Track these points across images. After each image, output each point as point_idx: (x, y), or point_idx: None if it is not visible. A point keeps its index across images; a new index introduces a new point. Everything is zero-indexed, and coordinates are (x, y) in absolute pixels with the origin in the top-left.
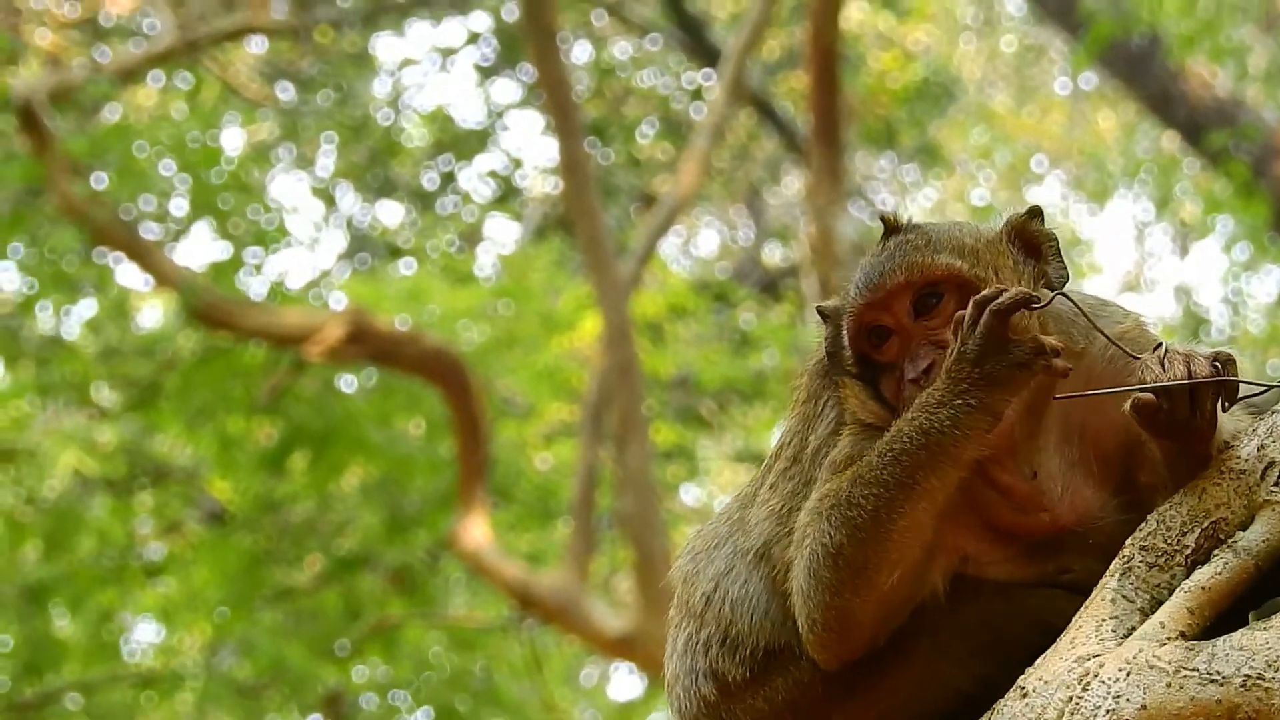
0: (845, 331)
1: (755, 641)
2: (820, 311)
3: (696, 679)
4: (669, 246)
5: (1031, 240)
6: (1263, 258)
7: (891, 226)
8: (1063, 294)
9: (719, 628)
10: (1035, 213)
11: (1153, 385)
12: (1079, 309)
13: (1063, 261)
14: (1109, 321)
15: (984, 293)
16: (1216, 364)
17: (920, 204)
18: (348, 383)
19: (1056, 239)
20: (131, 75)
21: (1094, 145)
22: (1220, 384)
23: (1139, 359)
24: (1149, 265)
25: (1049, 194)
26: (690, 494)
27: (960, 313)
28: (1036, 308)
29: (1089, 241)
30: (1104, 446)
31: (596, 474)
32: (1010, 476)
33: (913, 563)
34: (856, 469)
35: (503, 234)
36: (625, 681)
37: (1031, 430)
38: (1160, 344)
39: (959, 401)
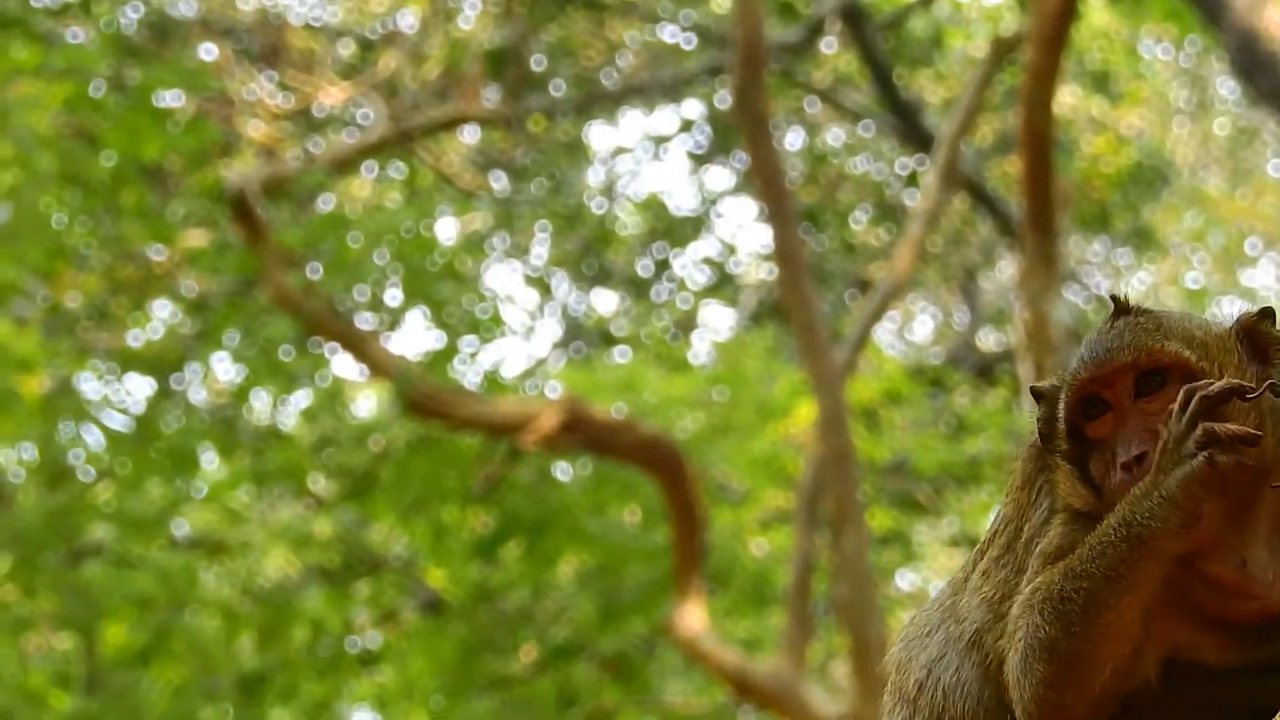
0: (1062, 402)
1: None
2: (1035, 391)
3: None
4: (884, 332)
5: (1260, 341)
6: None
7: (1121, 307)
8: (1276, 384)
9: (932, 713)
10: (1267, 313)
11: None
12: None
13: None
14: None
15: (1197, 382)
16: None
17: (1134, 288)
18: (563, 471)
19: None
20: (345, 166)
21: None
22: None
23: None
24: None
25: (1263, 276)
26: (906, 579)
27: (1172, 404)
28: (1251, 397)
29: None
30: None
31: (812, 560)
32: (1218, 566)
33: (1124, 657)
34: (1069, 561)
35: (717, 321)
36: None
37: (1241, 519)
38: None
39: (1157, 494)
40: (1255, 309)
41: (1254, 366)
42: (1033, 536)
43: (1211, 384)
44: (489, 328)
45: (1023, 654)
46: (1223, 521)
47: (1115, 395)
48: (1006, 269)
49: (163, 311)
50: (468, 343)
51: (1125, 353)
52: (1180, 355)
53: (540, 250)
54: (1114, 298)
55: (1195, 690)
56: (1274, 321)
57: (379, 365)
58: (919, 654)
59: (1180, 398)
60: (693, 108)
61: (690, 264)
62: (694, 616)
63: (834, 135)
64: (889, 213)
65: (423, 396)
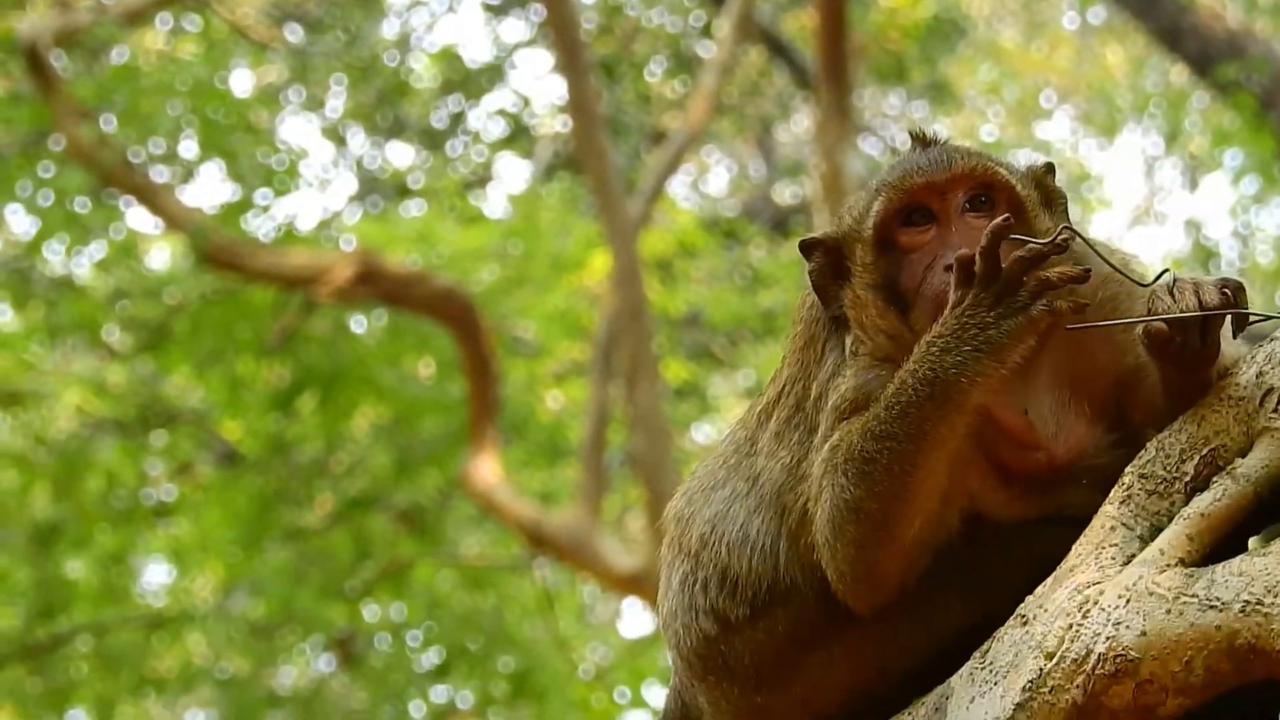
0: (874, 212)
1: (756, 582)
2: (807, 244)
3: (696, 616)
4: (679, 184)
5: (1047, 193)
6: (1271, 190)
7: (924, 139)
8: (1071, 228)
9: (716, 569)
10: (1050, 168)
11: (1164, 316)
12: (1089, 244)
13: (1069, 219)
14: (1094, 261)
15: (995, 223)
16: (1225, 292)
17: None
18: (358, 324)
19: (1067, 199)
20: (138, 17)
21: (1102, 80)
22: (1228, 313)
23: (1147, 286)
24: (1158, 199)
25: (1058, 129)
26: (701, 432)
27: (965, 253)
28: (1060, 254)
29: (1099, 176)
30: (1094, 387)
31: (607, 413)
32: (1006, 413)
33: (932, 511)
34: (865, 421)
35: (512, 173)
36: (637, 618)
37: (1023, 370)
38: (1167, 271)
39: (968, 349)
40: (1041, 163)
41: (1044, 212)
42: (822, 394)
43: (1031, 241)
44: (283, 180)
45: (830, 516)
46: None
47: (945, 206)
48: (802, 121)
49: None
50: (262, 195)
51: (962, 163)
52: (1010, 181)
53: (336, 104)
54: (916, 129)
55: (985, 545)
56: (1054, 176)
57: (173, 218)
58: (702, 508)
59: (986, 242)
60: None
61: (485, 116)
62: (489, 469)
63: None
64: (685, 64)
65: (217, 249)
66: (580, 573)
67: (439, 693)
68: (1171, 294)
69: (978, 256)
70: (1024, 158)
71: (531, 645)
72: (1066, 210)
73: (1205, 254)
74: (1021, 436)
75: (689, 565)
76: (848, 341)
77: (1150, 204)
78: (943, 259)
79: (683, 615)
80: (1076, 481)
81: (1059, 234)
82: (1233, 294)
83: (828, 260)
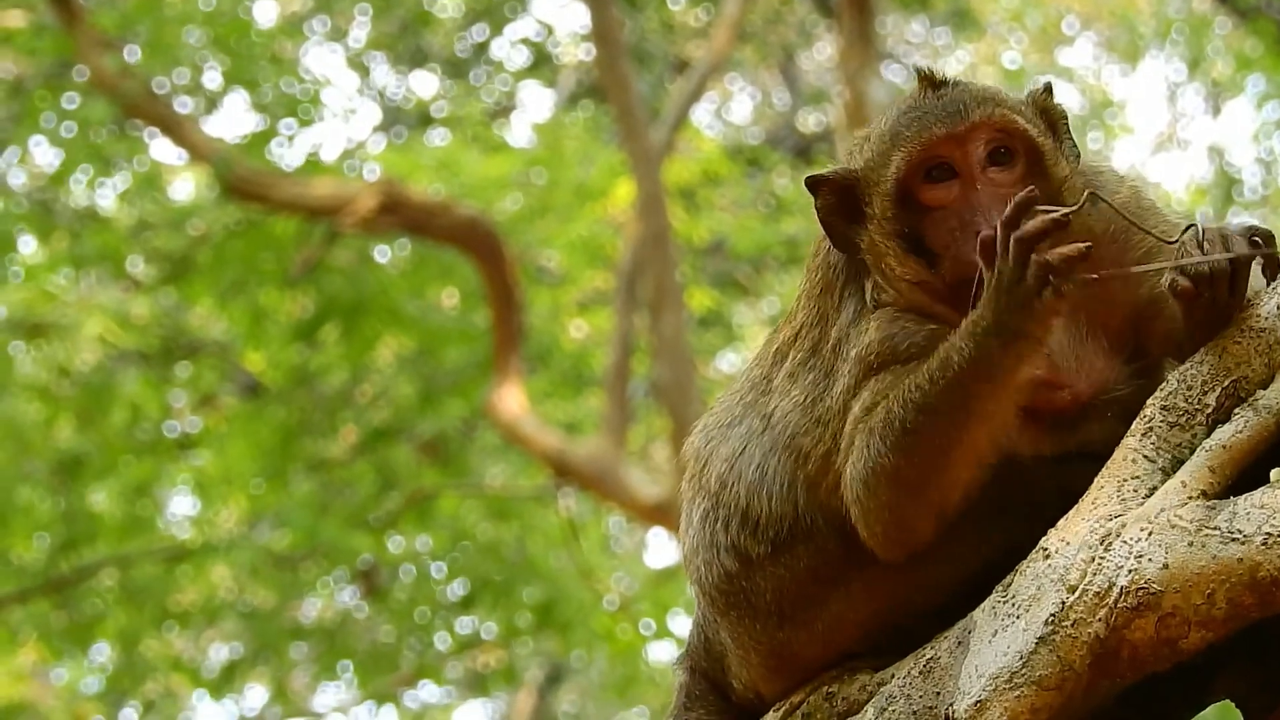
0: (895, 166)
1: (778, 522)
2: (812, 182)
3: (718, 553)
4: (702, 113)
5: (1050, 115)
6: None
7: (934, 80)
8: (1095, 195)
9: (736, 509)
10: (1049, 89)
11: (1190, 261)
12: (1114, 209)
13: (1073, 138)
14: (1106, 191)
15: (1020, 196)
16: (1256, 240)
17: (952, 67)
18: (381, 253)
19: (1068, 115)
20: None
21: (1125, 6)
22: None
23: (1173, 243)
24: (1181, 125)
25: (1080, 56)
26: (726, 361)
27: (987, 234)
28: (1068, 214)
29: (1121, 103)
30: (1111, 320)
31: (632, 342)
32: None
33: (972, 477)
34: (906, 390)
35: (536, 102)
36: (662, 549)
37: None
38: (1193, 225)
39: (1000, 332)
40: (1040, 86)
41: (1050, 139)
42: (840, 340)
43: (1030, 221)
44: (307, 110)
45: (864, 478)
46: None
47: (965, 158)
48: (825, 49)
49: None
50: (287, 126)
51: (979, 112)
52: (1026, 129)
53: (359, 34)
54: (925, 70)
55: (1003, 477)
56: (1053, 96)
57: (197, 148)
58: (720, 446)
59: (1000, 232)
60: None
61: (509, 45)
62: (513, 399)
63: None
64: None
65: (240, 179)
66: (605, 503)
67: (464, 624)
68: (1201, 247)
69: (999, 234)
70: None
71: (556, 576)
72: (1069, 128)
73: (1228, 180)
74: (1045, 376)
75: (709, 503)
76: (868, 287)
77: (1173, 130)
78: (972, 224)
79: (704, 551)
80: (1100, 415)
81: (1082, 202)
82: (1263, 241)
83: (837, 199)
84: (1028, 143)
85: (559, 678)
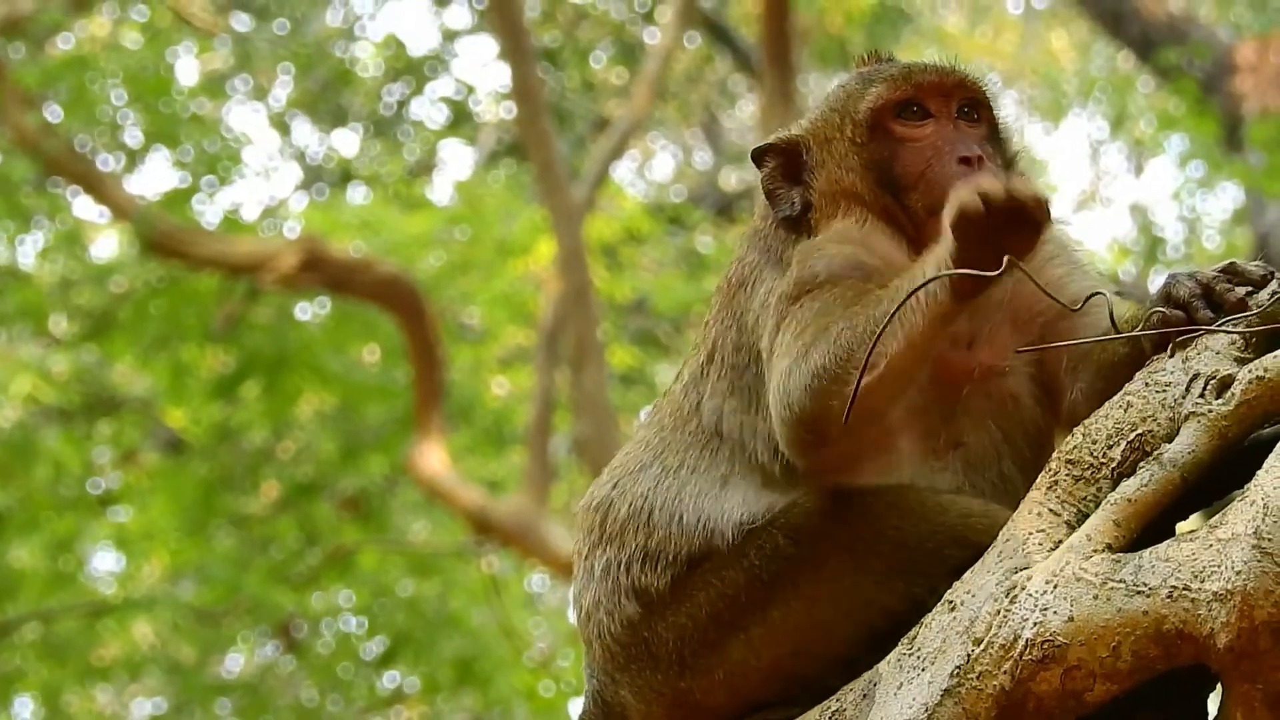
0: (875, 95)
1: (678, 548)
2: (758, 152)
3: (619, 601)
4: (625, 171)
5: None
6: (1216, 175)
7: (879, 59)
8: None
9: (640, 544)
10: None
11: (1122, 335)
12: (1021, 270)
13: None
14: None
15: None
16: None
17: None
18: (302, 310)
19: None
20: (83, 4)
21: (1048, 64)
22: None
23: (1076, 309)
24: (1104, 183)
25: (1003, 112)
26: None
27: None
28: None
29: (1044, 161)
30: (1030, 310)
31: (553, 398)
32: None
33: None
34: (848, 306)
35: (457, 160)
36: None
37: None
38: (1099, 293)
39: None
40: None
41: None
42: (762, 309)
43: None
44: (227, 167)
45: (807, 370)
46: None
47: (944, 107)
48: (747, 108)
49: None
50: (208, 183)
51: (963, 74)
52: (992, 101)
53: (281, 93)
54: (872, 52)
55: (896, 523)
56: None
57: (118, 205)
58: (631, 487)
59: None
60: None
61: (429, 104)
62: (434, 455)
63: None
64: (629, 51)
65: (161, 236)
66: (527, 559)
67: (390, 678)
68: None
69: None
70: None
71: (478, 632)
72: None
73: (1152, 239)
74: (963, 331)
75: (612, 550)
76: (793, 257)
77: (1096, 188)
78: (960, 150)
79: (606, 603)
80: (979, 406)
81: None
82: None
83: (781, 164)
84: (990, 110)
85: None
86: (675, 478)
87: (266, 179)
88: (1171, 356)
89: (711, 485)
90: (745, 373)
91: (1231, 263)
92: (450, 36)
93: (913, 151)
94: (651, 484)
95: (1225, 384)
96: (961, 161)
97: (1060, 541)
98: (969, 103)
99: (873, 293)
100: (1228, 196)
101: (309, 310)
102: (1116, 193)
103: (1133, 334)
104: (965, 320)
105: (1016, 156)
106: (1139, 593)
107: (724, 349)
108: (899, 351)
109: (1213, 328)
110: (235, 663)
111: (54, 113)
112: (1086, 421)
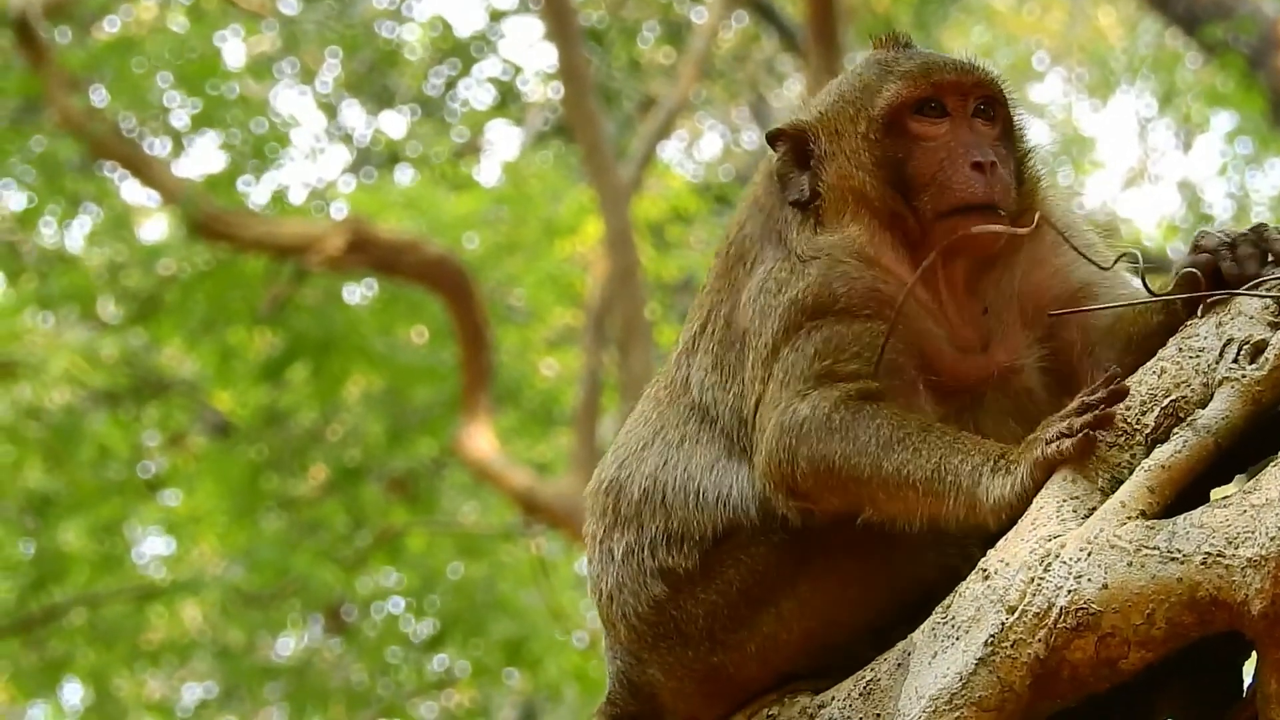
0: (893, 93)
1: (701, 528)
2: (772, 135)
3: (644, 581)
4: (672, 150)
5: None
6: (1264, 151)
7: (901, 40)
8: (1045, 219)
9: (660, 525)
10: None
11: (1135, 301)
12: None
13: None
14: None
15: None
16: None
17: None
18: (350, 292)
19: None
20: None
21: (1095, 42)
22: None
23: (1107, 269)
24: (1152, 161)
25: (1051, 92)
26: None
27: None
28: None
29: (1092, 139)
30: (1039, 302)
31: (601, 379)
32: (962, 317)
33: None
34: (893, 440)
35: (504, 141)
36: None
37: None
38: (1129, 252)
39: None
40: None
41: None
42: (761, 287)
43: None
44: (274, 149)
45: (811, 458)
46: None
47: (961, 106)
48: (794, 86)
49: None
50: (254, 165)
51: (981, 72)
52: (1009, 100)
53: (328, 76)
54: (889, 35)
55: None
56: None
57: (165, 188)
58: (637, 469)
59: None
60: None
61: (476, 85)
62: (482, 437)
63: None
64: (676, 30)
65: (208, 218)
66: (576, 541)
67: (439, 661)
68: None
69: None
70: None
71: (526, 614)
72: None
73: (1200, 216)
74: (972, 336)
75: (631, 533)
76: (794, 239)
77: (1144, 166)
78: (973, 155)
79: (630, 585)
80: (999, 398)
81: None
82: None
83: (792, 148)
84: (1006, 110)
85: (532, 717)
86: (679, 452)
87: (314, 161)
88: (1203, 317)
89: (717, 458)
90: (731, 350)
91: (1260, 224)
92: (497, 17)
93: (926, 152)
94: (658, 462)
95: (1259, 349)
96: (974, 167)
97: (1094, 508)
98: (985, 101)
99: (919, 420)
100: (1277, 173)
101: (356, 292)
102: (1165, 170)
103: (1163, 296)
104: (978, 325)
105: (1029, 155)
106: (1173, 559)
107: (716, 322)
108: (910, 504)
109: (1243, 291)
110: (285, 646)
111: (100, 96)
112: None
